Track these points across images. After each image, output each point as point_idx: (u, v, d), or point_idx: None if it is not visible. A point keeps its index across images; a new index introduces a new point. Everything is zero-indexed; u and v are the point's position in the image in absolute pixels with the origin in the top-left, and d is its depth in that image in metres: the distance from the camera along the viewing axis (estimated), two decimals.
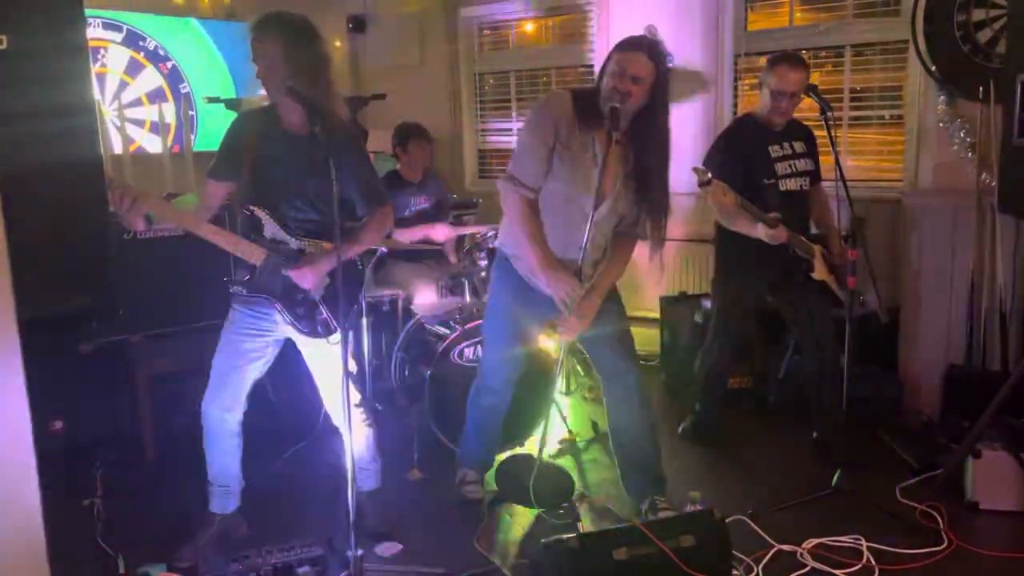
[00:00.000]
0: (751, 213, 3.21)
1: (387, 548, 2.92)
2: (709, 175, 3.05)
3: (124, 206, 2.41)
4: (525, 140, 2.84)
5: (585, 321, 2.88)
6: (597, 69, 4.47)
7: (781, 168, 3.45)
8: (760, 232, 3.25)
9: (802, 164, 3.52)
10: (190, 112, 5.46)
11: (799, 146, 3.53)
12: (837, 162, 3.20)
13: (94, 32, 4.96)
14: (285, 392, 3.86)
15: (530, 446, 3.70)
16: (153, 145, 5.19)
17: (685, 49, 4.94)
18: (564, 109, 2.77)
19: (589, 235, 2.73)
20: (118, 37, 5.14)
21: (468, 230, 4.26)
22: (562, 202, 2.83)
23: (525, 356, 3.15)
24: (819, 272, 3.49)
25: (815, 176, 3.61)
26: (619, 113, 2.68)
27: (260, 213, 2.66)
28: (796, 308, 3.56)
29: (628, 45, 2.72)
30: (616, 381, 3.03)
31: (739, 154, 3.38)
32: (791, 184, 3.46)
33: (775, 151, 3.46)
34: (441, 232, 4.29)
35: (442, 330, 3.78)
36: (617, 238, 2.96)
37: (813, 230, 3.64)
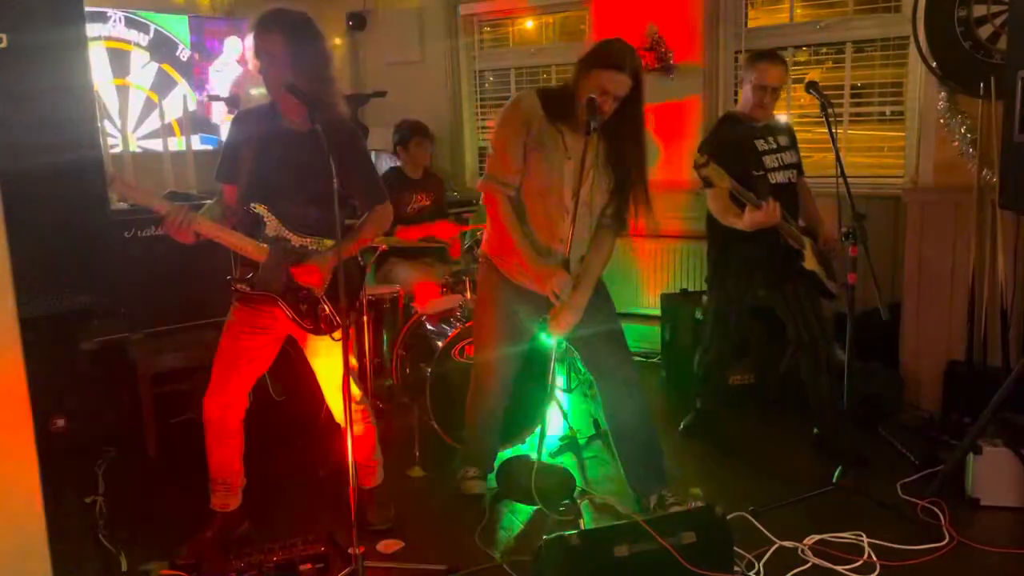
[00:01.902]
0: (742, 197, 3.25)
1: (388, 545, 2.93)
2: (706, 158, 3.10)
3: (175, 228, 2.51)
4: (498, 139, 2.89)
5: (577, 314, 2.91)
6: None
7: (769, 161, 3.50)
8: (747, 218, 3.27)
9: (788, 157, 3.57)
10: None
11: (783, 140, 3.59)
12: (838, 158, 3.20)
13: (114, 30, 4.91)
14: (286, 389, 3.87)
15: (531, 443, 3.70)
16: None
17: (685, 46, 4.94)
18: (532, 106, 2.84)
19: (572, 228, 2.80)
20: (144, 40, 5.07)
21: (470, 227, 4.27)
22: (539, 196, 2.88)
23: (519, 353, 3.16)
24: (809, 262, 3.51)
25: (800, 169, 3.65)
26: (596, 107, 2.71)
27: (261, 211, 2.66)
28: (789, 304, 3.57)
29: (611, 64, 2.71)
30: (610, 377, 3.05)
31: (726, 150, 3.41)
32: (779, 177, 3.51)
33: (761, 145, 3.51)
34: (445, 230, 4.30)
35: (443, 328, 3.78)
36: (599, 231, 2.99)
37: (801, 223, 3.65)
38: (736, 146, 3.46)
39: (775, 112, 3.67)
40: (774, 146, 3.54)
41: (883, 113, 4.60)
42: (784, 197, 3.46)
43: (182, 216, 2.52)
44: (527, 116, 2.83)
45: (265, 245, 2.66)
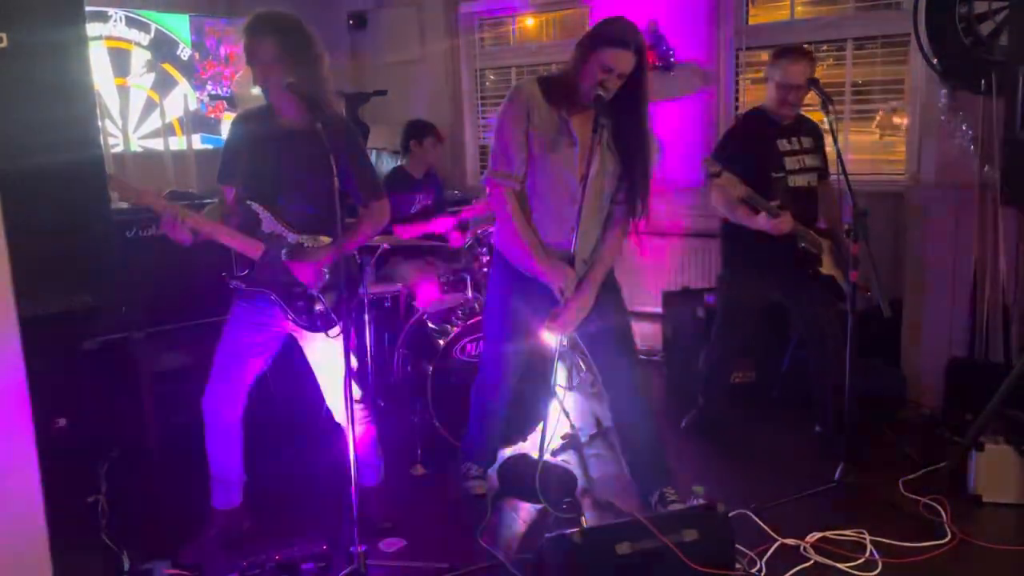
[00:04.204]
0: (757, 203, 3.21)
1: (390, 544, 2.93)
2: (719, 167, 3.06)
3: (169, 226, 2.51)
4: (500, 132, 2.86)
5: (584, 309, 2.89)
6: None
7: (790, 163, 3.46)
8: (762, 222, 3.25)
9: (810, 160, 3.52)
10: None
11: (807, 141, 3.54)
12: (839, 156, 3.20)
13: (115, 30, 4.90)
14: (287, 388, 3.87)
15: (532, 441, 3.70)
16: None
17: (686, 43, 4.93)
18: (532, 95, 2.81)
19: (580, 216, 2.76)
20: (145, 39, 5.06)
21: (467, 213, 4.28)
22: (547, 187, 2.86)
23: (525, 350, 3.15)
24: (827, 267, 3.50)
25: (823, 172, 3.61)
26: (605, 102, 2.70)
27: (257, 208, 2.67)
28: (802, 305, 3.56)
29: (617, 42, 2.67)
30: (616, 375, 3.04)
31: (748, 147, 3.38)
32: (799, 180, 3.47)
33: (783, 145, 3.46)
34: (442, 224, 4.30)
35: (445, 326, 3.78)
36: (607, 224, 2.97)
37: (822, 224, 3.64)
38: (758, 144, 3.41)
39: (803, 111, 3.60)
40: (797, 147, 3.49)
41: (884, 111, 4.60)
42: (802, 201, 3.43)
43: (176, 214, 2.52)
44: (527, 105, 2.80)
45: (260, 241, 2.67)
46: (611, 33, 2.70)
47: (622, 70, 2.68)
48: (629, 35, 2.69)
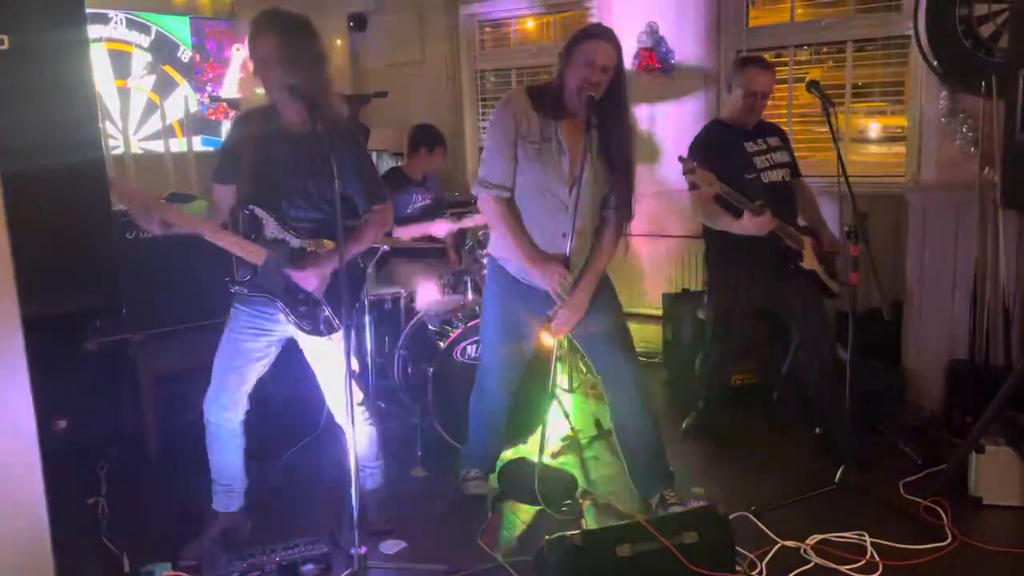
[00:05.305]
0: (735, 202, 3.23)
1: (391, 545, 2.93)
2: (695, 163, 3.09)
3: (138, 214, 2.50)
4: (489, 141, 2.92)
5: (579, 311, 2.91)
6: None
7: (760, 162, 3.50)
8: (745, 223, 3.26)
9: (779, 156, 3.57)
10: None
11: (773, 141, 3.59)
12: (839, 157, 3.20)
13: (115, 32, 4.91)
14: (288, 391, 3.87)
15: (533, 444, 3.70)
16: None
17: (686, 45, 4.94)
18: (522, 104, 2.85)
19: (572, 222, 2.80)
20: (145, 41, 5.06)
21: (468, 224, 4.28)
22: (536, 194, 2.88)
23: (523, 354, 3.16)
24: (808, 262, 3.51)
25: (794, 169, 3.64)
26: (596, 102, 2.75)
27: (260, 213, 2.66)
28: (790, 304, 3.57)
29: (592, 35, 2.78)
30: (615, 377, 3.05)
31: (715, 156, 3.40)
32: (773, 176, 3.51)
33: (750, 147, 3.51)
34: (441, 228, 4.31)
35: (445, 328, 3.78)
36: (601, 226, 2.99)
37: (801, 223, 3.65)
38: (725, 150, 3.44)
39: (765, 114, 3.65)
40: (764, 147, 3.54)
41: (884, 112, 4.60)
42: (779, 195, 3.46)
43: (143, 202, 2.51)
44: (516, 114, 2.84)
45: (262, 247, 2.66)
46: (588, 29, 2.83)
47: (604, 62, 2.74)
48: (605, 30, 2.81)
